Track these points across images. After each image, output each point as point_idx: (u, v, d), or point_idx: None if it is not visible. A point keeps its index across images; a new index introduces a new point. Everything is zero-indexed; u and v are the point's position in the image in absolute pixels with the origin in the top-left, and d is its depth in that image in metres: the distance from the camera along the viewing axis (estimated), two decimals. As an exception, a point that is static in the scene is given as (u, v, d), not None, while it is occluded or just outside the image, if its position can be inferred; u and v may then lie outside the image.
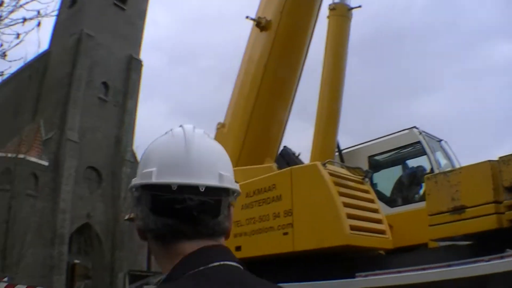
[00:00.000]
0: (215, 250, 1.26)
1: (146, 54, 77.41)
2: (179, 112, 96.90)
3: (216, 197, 1.27)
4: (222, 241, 1.31)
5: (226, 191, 1.31)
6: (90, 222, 34.63)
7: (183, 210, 1.22)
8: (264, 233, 7.10)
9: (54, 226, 33.09)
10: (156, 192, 1.25)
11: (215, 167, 1.30)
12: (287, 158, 9.29)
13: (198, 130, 1.34)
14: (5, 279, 12.70)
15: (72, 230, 34.57)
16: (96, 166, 37.41)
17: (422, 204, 6.97)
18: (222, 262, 1.22)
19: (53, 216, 33.34)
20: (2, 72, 7.14)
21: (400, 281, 5.55)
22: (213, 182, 1.26)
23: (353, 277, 5.92)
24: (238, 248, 7.24)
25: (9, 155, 29.75)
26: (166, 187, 1.23)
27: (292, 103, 10.24)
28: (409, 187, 8.96)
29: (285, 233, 6.73)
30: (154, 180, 1.25)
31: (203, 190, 1.24)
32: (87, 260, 34.09)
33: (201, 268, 1.19)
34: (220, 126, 10.01)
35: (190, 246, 1.24)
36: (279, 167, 8.16)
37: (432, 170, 8.35)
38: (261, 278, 1.25)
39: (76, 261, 34.33)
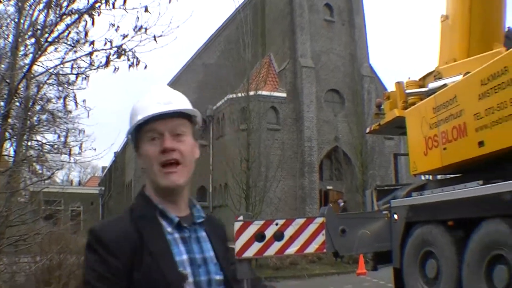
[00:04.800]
0: None
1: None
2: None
3: None
4: None
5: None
6: (338, 145, 33.68)
7: None
8: (505, 122, 6.56)
9: (301, 156, 33.07)
10: None
11: None
12: None
13: None
14: (240, 217, 12.35)
15: (321, 156, 34.12)
16: (336, 87, 35.94)
17: None
18: None
19: (299, 145, 33.34)
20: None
21: None
22: None
23: None
24: (481, 144, 7.05)
25: (243, 94, 30.15)
26: None
27: None
28: None
29: None
30: None
31: None
32: (339, 185, 33.36)
33: None
34: (444, 19, 10.17)
35: None
36: (507, 49, 7.49)
37: None
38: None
39: (329, 187, 33.90)
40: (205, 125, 36.83)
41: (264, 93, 31.74)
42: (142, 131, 1.76)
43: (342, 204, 28.83)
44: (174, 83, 37.99)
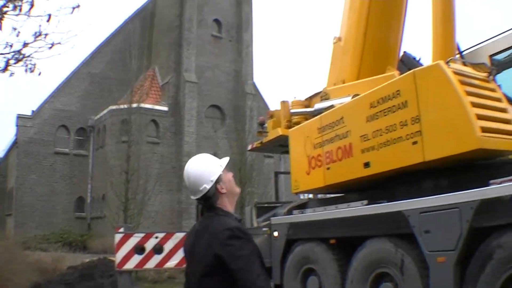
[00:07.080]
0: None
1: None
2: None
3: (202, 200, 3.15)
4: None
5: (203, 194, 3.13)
6: (217, 161, 33.80)
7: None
8: (393, 145, 6.65)
9: (179, 171, 32.81)
10: None
11: (192, 186, 3.15)
12: (408, 63, 8.97)
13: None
14: (121, 229, 11.61)
15: (200, 172, 33.98)
16: (218, 103, 36.25)
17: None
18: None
19: (177, 160, 33.03)
20: None
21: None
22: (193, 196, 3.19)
23: (487, 185, 5.39)
24: (366, 165, 7.11)
25: (125, 106, 29.46)
26: None
27: (406, 6, 9.72)
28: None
29: (414, 142, 6.33)
30: None
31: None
32: (217, 201, 33.38)
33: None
34: (337, 40, 10.08)
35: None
36: (401, 74, 7.37)
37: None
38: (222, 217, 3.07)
39: (205, 202, 33.88)
40: (85, 135, 35.50)
41: (146, 105, 31.49)
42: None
43: None
44: (60, 90, 36.27)
